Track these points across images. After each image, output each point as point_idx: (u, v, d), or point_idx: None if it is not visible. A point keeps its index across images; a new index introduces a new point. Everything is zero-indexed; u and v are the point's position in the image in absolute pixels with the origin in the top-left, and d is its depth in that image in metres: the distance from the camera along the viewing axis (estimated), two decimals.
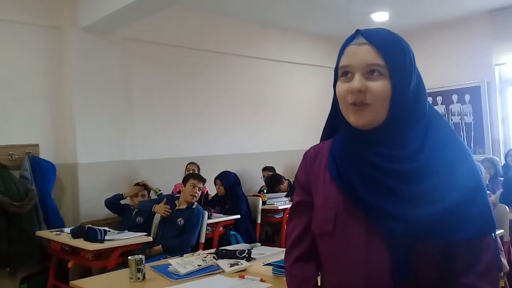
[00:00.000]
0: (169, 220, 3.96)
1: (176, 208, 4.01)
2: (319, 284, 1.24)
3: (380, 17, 6.35)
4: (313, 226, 1.20)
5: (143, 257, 2.37)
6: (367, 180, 1.08)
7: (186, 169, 5.23)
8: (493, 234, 1.06)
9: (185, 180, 4.12)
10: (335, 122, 1.22)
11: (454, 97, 6.95)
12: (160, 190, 4.78)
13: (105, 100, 4.91)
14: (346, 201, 1.11)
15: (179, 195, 4.18)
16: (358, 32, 1.11)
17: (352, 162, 1.11)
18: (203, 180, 4.17)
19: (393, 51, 1.08)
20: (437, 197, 1.02)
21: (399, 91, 1.07)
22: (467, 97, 6.83)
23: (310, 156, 1.26)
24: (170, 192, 4.99)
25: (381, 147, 1.08)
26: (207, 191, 5.19)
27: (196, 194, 4.02)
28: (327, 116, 1.28)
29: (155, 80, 5.51)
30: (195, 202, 4.04)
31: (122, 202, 4.56)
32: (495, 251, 1.06)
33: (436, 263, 1.05)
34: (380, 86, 1.06)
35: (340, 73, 1.12)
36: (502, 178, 4.82)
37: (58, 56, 4.79)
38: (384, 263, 1.04)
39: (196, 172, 4.93)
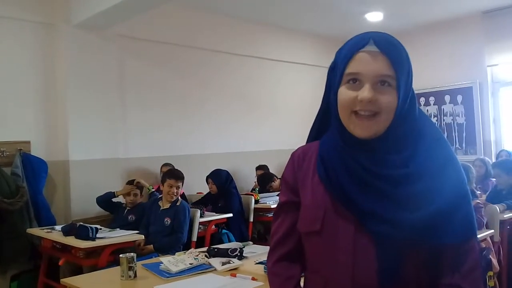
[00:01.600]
0: (156, 221, 3.94)
1: (161, 208, 3.98)
2: (301, 284, 1.24)
3: (374, 17, 6.37)
4: (300, 225, 1.19)
5: (135, 255, 2.36)
6: (357, 182, 1.08)
7: (161, 171, 5.17)
8: (476, 239, 1.10)
9: (162, 180, 4.09)
10: (324, 124, 1.23)
11: (447, 98, 6.98)
12: (153, 188, 4.77)
13: (98, 97, 4.89)
14: (334, 201, 1.11)
15: (161, 195, 4.14)
16: (370, 38, 1.08)
17: (342, 164, 1.11)
18: (181, 178, 4.07)
19: (402, 63, 1.08)
20: (425, 202, 1.03)
21: (403, 102, 1.08)
22: (459, 98, 6.86)
23: (298, 157, 1.25)
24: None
25: (375, 152, 1.09)
26: (183, 193, 5.06)
27: (174, 194, 3.96)
28: (315, 117, 1.28)
29: (149, 77, 5.49)
30: (179, 199, 4.01)
31: (114, 200, 4.54)
32: (478, 254, 1.09)
33: (423, 266, 1.07)
34: (389, 98, 1.06)
35: (346, 79, 1.09)
36: (494, 179, 4.85)
37: (51, 53, 4.76)
38: (371, 265, 1.05)
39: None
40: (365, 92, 1.05)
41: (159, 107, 5.56)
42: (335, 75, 1.13)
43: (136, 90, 5.36)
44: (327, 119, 1.21)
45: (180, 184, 4.02)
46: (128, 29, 5.15)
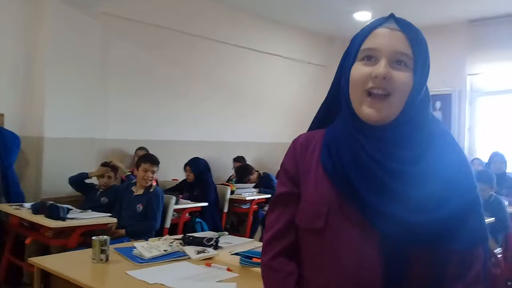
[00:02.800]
0: (128, 206, 3.85)
1: (134, 194, 3.89)
2: None
3: (362, 17, 6.40)
4: (300, 221, 1.12)
5: (108, 238, 2.30)
6: (367, 176, 1.02)
7: (135, 154, 5.07)
8: (484, 247, 1.06)
9: (137, 164, 3.99)
10: (330, 112, 1.16)
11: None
12: (129, 171, 4.67)
13: (78, 75, 4.76)
14: (340, 197, 1.05)
15: (135, 180, 4.05)
16: (391, 17, 1.05)
17: (352, 156, 1.04)
18: (156, 163, 3.96)
19: (421, 44, 1.05)
20: (436, 204, 0.99)
21: (418, 87, 1.03)
22: (438, 104, 6.93)
23: (300, 144, 1.16)
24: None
25: (387, 144, 1.03)
26: (157, 181, 4.97)
27: (149, 178, 3.87)
28: (321, 104, 1.21)
29: (133, 59, 5.38)
30: (153, 185, 3.93)
31: (87, 181, 4.43)
32: (484, 262, 1.06)
33: (428, 270, 1.03)
34: (404, 77, 1.02)
35: (362, 55, 1.04)
36: None
37: (33, 26, 4.61)
38: (376, 267, 1.00)
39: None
40: (381, 68, 1.00)
41: (140, 90, 5.46)
42: (349, 57, 1.08)
43: (118, 70, 5.24)
44: (333, 109, 1.16)
45: (155, 168, 3.93)
46: (116, 8, 5.03)
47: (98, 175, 4.37)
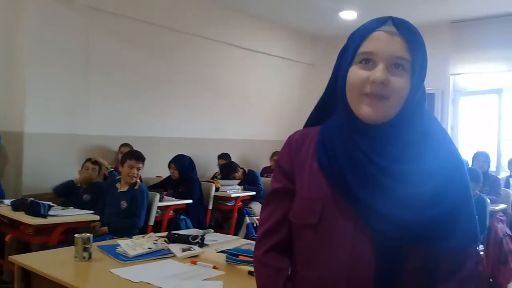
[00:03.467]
0: (112, 203, 3.78)
1: (118, 191, 3.82)
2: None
3: (348, 16, 6.43)
4: (294, 216, 1.12)
5: (91, 236, 2.25)
6: (361, 174, 1.02)
7: (119, 151, 4.99)
8: (476, 245, 1.07)
9: (122, 161, 3.92)
10: (326, 109, 1.16)
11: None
12: (112, 167, 4.60)
13: (60, 69, 4.69)
14: (335, 193, 1.05)
15: (120, 177, 3.99)
16: (389, 19, 1.04)
17: (347, 154, 1.04)
18: (142, 159, 3.90)
19: (419, 49, 1.03)
20: (430, 203, 0.99)
21: (415, 90, 1.03)
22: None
23: (296, 140, 1.16)
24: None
25: (382, 143, 1.03)
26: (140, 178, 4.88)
27: (135, 175, 3.80)
28: (318, 101, 1.21)
29: (118, 55, 5.28)
30: (138, 182, 3.87)
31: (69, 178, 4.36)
32: (476, 261, 1.06)
33: (421, 267, 1.03)
34: (402, 82, 1.01)
35: (359, 59, 1.03)
36: None
37: (14, 20, 4.52)
38: (369, 264, 1.00)
39: None
40: (378, 73, 0.99)
41: (125, 86, 5.38)
42: (346, 56, 1.07)
43: (102, 66, 5.15)
44: (329, 106, 1.15)
45: (140, 165, 3.87)
46: (99, 2, 4.95)
47: (82, 174, 4.29)
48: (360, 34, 1.05)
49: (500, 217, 4.64)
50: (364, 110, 1.01)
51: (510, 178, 5.61)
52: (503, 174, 6.05)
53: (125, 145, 5.03)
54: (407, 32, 1.03)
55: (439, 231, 0.99)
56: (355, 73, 1.03)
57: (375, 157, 1.02)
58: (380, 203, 0.99)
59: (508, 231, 4.65)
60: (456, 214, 1.01)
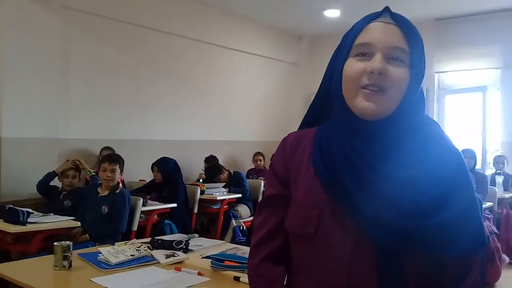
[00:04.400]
0: (93, 208, 3.68)
1: (99, 195, 3.71)
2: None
3: (331, 14, 6.43)
4: (290, 225, 1.07)
5: (71, 243, 2.17)
6: (360, 182, 0.96)
7: (100, 154, 4.88)
8: (483, 249, 1.02)
9: (98, 165, 3.84)
10: (321, 109, 1.11)
11: None
12: (93, 171, 4.50)
13: (39, 71, 4.57)
14: (332, 200, 1.00)
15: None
16: (386, 10, 1.00)
17: (344, 160, 0.99)
18: (114, 160, 3.74)
19: (417, 41, 1.00)
20: (434, 209, 0.94)
21: (415, 83, 0.98)
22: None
23: (290, 144, 1.11)
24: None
25: (381, 147, 0.98)
26: (123, 180, 4.77)
27: (110, 178, 3.67)
28: (312, 100, 1.15)
29: (97, 56, 5.18)
30: (120, 186, 3.76)
31: (51, 183, 4.24)
32: (481, 267, 1.01)
33: (424, 278, 0.98)
34: (400, 73, 0.96)
35: (356, 51, 0.99)
36: None
37: None
38: (369, 275, 0.95)
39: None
40: (376, 63, 0.95)
41: (106, 88, 5.27)
42: (342, 51, 1.03)
43: (81, 68, 5.04)
44: (324, 107, 1.10)
45: (114, 167, 3.70)
46: (75, 1, 4.84)
47: (64, 169, 4.19)
48: (355, 28, 1.02)
49: (486, 215, 4.66)
50: (362, 104, 0.96)
51: (496, 176, 5.63)
52: (489, 172, 6.09)
53: (106, 148, 4.93)
54: (405, 23, 1.00)
55: (444, 239, 0.94)
56: (352, 65, 0.99)
57: (375, 162, 0.97)
58: (381, 212, 0.94)
59: (495, 229, 4.67)
60: (461, 220, 0.96)
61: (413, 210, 0.93)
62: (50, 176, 4.19)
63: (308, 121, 1.16)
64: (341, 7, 6.21)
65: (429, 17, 6.65)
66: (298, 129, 1.18)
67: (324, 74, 1.10)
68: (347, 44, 1.01)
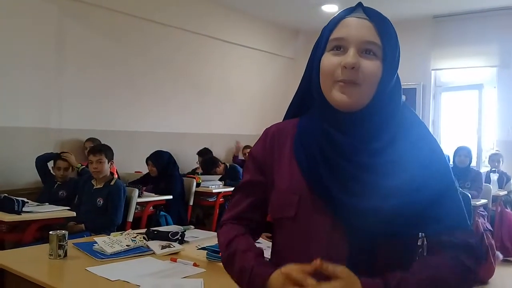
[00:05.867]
0: (88, 200, 3.67)
1: (94, 187, 3.70)
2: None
3: (329, 9, 6.43)
4: (272, 210, 1.13)
5: (66, 233, 2.17)
6: (336, 172, 1.02)
7: (84, 146, 4.85)
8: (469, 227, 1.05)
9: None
10: (304, 101, 1.15)
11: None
12: (82, 165, 4.43)
13: (33, 59, 4.55)
14: (311, 189, 1.05)
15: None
16: (359, 6, 1.05)
17: (322, 152, 1.05)
18: (99, 151, 3.67)
19: (389, 34, 1.04)
20: (408, 193, 0.99)
21: (388, 76, 1.03)
22: (402, 98, 7.00)
23: (272, 135, 1.16)
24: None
25: (355, 137, 1.03)
26: (116, 170, 4.64)
27: (97, 169, 3.63)
28: (295, 93, 1.20)
29: (92, 46, 5.15)
30: (114, 178, 3.75)
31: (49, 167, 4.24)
32: (475, 238, 1.04)
33: (398, 259, 1.02)
34: (373, 66, 1.01)
35: (331, 45, 1.05)
36: None
37: None
38: (342, 259, 0.99)
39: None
40: (349, 58, 1.00)
41: (99, 78, 5.24)
42: (319, 47, 1.08)
43: (76, 57, 5.01)
44: (306, 99, 1.15)
45: (100, 157, 3.63)
46: None
47: (56, 161, 4.18)
48: (331, 24, 1.07)
49: (481, 212, 4.68)
50: (337, 96, 1.01)
51: (491, 173, 5.66)
52: (484, 169, 6.11)
53: (89, 140, 4.86)
54: (377, 18, 1.04)
55: (425, 218, 0.99)
56: (327, 60, 1.04)
57: (351, 153, 1.02)
58: (358, 200, 0.99)
59: (489, 226, 4.69)
60: (439, 201, 1.00)
61: (389, 194, 0.97)
62: (51, 155, 4.19)
63: (292, 112, 1.21)
64: (338, 2, 6.20)
65: (427, 14, 6.66)
66: (283, 119, 1.23)
67: (306, 67, 1.14)
68: (324, 39, 1.06)
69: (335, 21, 1.06)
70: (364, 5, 1.06)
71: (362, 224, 0.98)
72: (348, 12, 1.05)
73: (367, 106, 1.02)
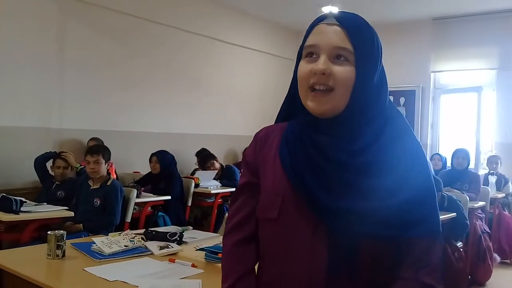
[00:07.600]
0: (85, 200, 3.65)
1: (91, 188, 3.68)
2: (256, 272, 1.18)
3: (329, 10, 6.40)
4: (258, 212, 1.15)
5: (65, 233, 2.16)
6: (318, 174, 1.03)
7: (87, 146, 4.79)
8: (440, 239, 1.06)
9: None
10: (292, 105, 1.17)
11: (390, 98, 7.12)
12: (80, 165, 4.42)
13: (33, 59, 4.54)
14: (294, 190, 1.06)
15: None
16: (330, 12, 1.06)
17: (304, 154, 1.07)
18: (97, 152, 3.64)
19: (362, 38, 1.04)
20: (389, 193, 1.00)
21: (363, 80, 1.03)
22: (402, 100, 7.03)
23: (260, 138, 1.20)
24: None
25: (336, 138, 1.05)
26: (114, 170, 4.69)
27: (94, 169, 3.60)
28: (284, 97, 1.21)
29: (93, 46, 5.14)
30: (111, 178, 3.73)
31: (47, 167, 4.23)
32: (441, 254, 1.05)
33: (378, 262, 1.02)
34: (344, 71, 1.02)
35: (305, 53, 1.07)
36: None
37: None
38: (323, 261, 1.01)
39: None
40: (320, 64, 1.02)
41: (100, 78, 5.24)
42: (299, 52, 1.11)
43: (76, 57, 5.01)
44: (295, 103, 1.15)
45: (97, 158, 3.60)
46: None
47: (55, 167, 4.17)
48: (307, 30, 1.09)
49: (479, 215, 4.68)
50: (310, 105, 1.04)
51: (489, 176, 5.66)
52: (482, 172, 6.11)
53: (93, 139, 4.85)
54: (348, 23, 1.04)
55: (403, 221, 0.99)
56: (302, 66, 1.06)
57: (331, 154, 1.03)
58: (338, 199, 1.00)
59: (487, 228, 4.70)
60: (419, 204, 1.01)
61: (370, 194, 0.99)
62: (50, 154, 4.18)
63: (282, 116, 1.23)
64: (339, 3, 6.19)
65: (427, 16, 6.67)
66: (274, 122, 1.25)
67: (293, 72, 1.15)
68: (301, 46, 1.09)
69: (309, 28, 1.08)
70: (337, 12, 1.07)
71: (343, 224, 0.99)
72: (321, 18, 1.07)
73: (344, 110, 1.04)
